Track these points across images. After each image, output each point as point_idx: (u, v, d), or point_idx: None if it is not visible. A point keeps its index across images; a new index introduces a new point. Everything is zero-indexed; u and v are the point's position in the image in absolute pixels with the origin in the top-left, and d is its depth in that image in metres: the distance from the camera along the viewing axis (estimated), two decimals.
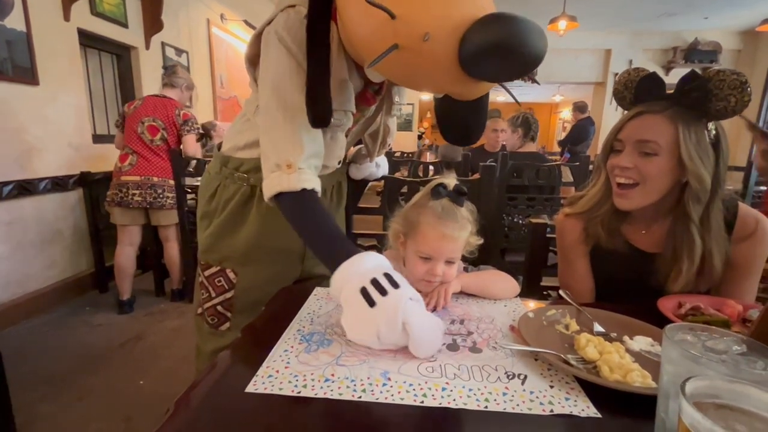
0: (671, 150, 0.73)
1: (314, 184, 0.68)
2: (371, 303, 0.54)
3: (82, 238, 2.46)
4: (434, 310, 0.69)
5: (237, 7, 4.13)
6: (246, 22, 4.20)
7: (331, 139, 0.76)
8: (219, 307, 0.88)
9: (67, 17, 2.27)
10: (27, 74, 2.08)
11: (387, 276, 0.56)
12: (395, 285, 0.55)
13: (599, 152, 0.86)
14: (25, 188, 2.10)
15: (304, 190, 0.67)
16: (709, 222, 0.75)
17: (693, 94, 0.71)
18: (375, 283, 0.55)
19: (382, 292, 0.54)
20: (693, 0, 4.72)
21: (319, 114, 0.66)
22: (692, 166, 0.72)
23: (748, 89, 0.67)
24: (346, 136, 0.85)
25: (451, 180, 0.76)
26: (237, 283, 0.86)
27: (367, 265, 0.58)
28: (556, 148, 6.60)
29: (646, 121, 0.75)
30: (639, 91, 0.78)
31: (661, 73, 6.23)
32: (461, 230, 0.72)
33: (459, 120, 0.73)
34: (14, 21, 2.00)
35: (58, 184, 2.28)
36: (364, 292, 0.55)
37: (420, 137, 7.43)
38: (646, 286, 0.80)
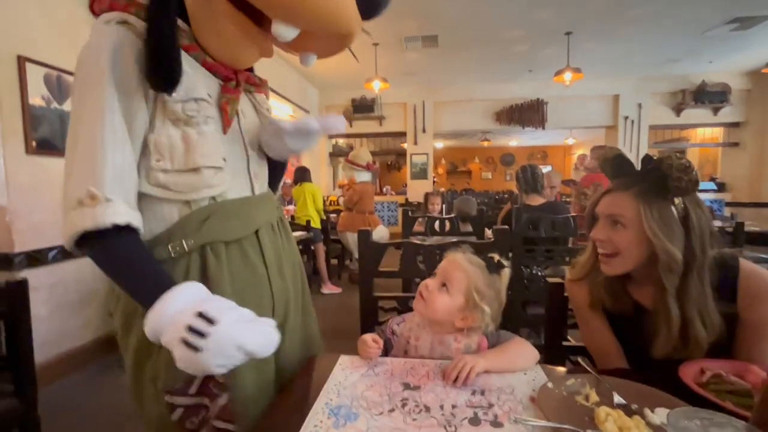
0: (637, 224, 0.79)
1: (128, 217, 0.57)
2: (196, 349, 0.51)
3: None
4: (454, 382, 0.71)
5: (260, 75, 4.51)
6: (272, 89, 4.56)
7: (199, 136, 0.64)
8: (216, 421, 0.67)
9: None
10: None
11: (201, 316, 0.53)
12: (212, 321, 0.53)
13: (585, 223, 0.93)
14: (68, 252, 2.25)
15: (115, 226, 0.56)
16: (688, 293, 0.77)
17: (652, 174, 0.78)
18: (191, 329, 0.52)
19: (202, 335, 0.52)
20: (695, 47, 4.89)
21: (166, 69, 0.59)
22: (656, 240, 0.76)
23: (693, 172, 0.74)
24: (225, 132, 0.70)
25: (503, 260, 0.87)
26: (231, 382, 0.67)
27: (177, 306, 0.55)
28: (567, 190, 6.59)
29: (615, 197, 0.83)
30: (613, 168, 0.87)
31: (672, 115, 6.35)
32: (469, 268, 0.84)
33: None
34: (70, 104, 2.27)
35: None
36: (184, 342, 0.52)
37: (435, 180, 7.57)
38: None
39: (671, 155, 0.76)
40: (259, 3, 0.61)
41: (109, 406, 1.95)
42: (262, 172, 0.82)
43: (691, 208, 0.78)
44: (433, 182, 7.24)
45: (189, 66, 0.65)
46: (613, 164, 0.86)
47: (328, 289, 3.93)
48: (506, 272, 0.86)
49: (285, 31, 0.64)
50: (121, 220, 0.56)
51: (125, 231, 0.58)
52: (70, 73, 2.25)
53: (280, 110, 5.10)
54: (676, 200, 0.78)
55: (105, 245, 0.58)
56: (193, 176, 0.64)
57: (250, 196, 0.77)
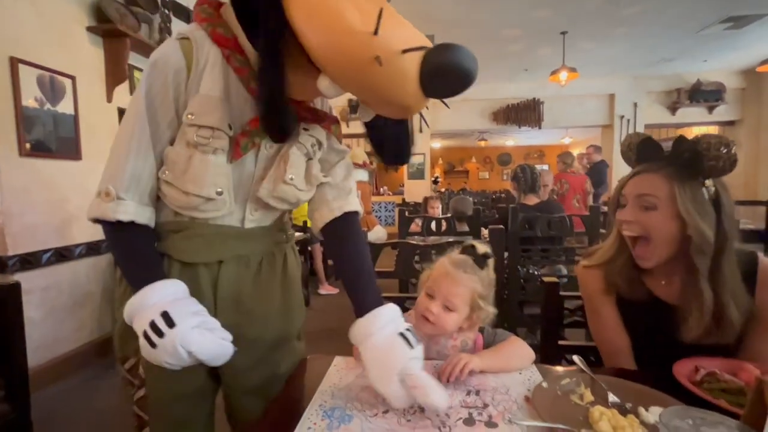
0: (669, 204, 0.78)
1: (134, 216, 0.65)
2: (152, 345, 0.59)
3: (110, 299, 2.56)
4: (447, 381, 0.71)
5: None
6: None
7: (200, 163, 0.64)
8: (135, 407, 0.77)
9: (109, 99, 2.54)
10: (72, 151, 2.31)
11: (164, 315, 0.60)
12: (171, 324, 0.59)
13: (609, 206, 0.91)
14: (62, 254, 2.24)
15: (119, 222, 0.64)
16: (721, 274, 0.77)
17: (685, 155, 0.78)
18: (153, 325, 0.59)
19: (159, 333, 0.59)
20: (688, 46, 4.92)
21: (274, 120, 0.61)
22: (690, 218, 0.76)
23: (733, 150, 0.74)
24: (231, 162, 0.69)
25: (483, 246, 0.86)
26: (146, 381, 0.74)
27: (151, 300, 0.62)
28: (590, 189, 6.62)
29: (645, 178, 0.82)
30: (639, 153, 0.86)
31: (667, 114, 6.38)
32: (467, 278, 0.80)
33: (393, 141, 0.74)
34: (65, 106, 2.26)
35: (92, 248, 2.42)
36: (145, 335, 0.59)
37: (435, 182, 7.55)
38: (670, 339, 0.81)
39: (708, 135, 0.76)
40: (311, 52, 0.56)
41: (103, 410, 1.94)
42: (273, 205, 0.74)
43: (721, 189, 0.78)
44: (436, 182, 7.21)
45: (233, 89, 0.67)
46: (640, 148, 0.85)
47: (325, 289, 3.92)
48: (491, 261, 0.86)
49: (327, 88, 0.60)
50: (125, 218, 0.64)
51: (130, 225, 0.65)
52: (64, 75, 2.24)
53: None
54: (707, 182, 0.78)
55: (111, 233, 0.67)
56: (184, 197, 0.66)
57: (236, 226, 0.74)
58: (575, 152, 10.27)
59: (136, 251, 0.68)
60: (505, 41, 4.69)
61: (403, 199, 6.82)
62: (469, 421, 0.60)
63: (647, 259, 0.82)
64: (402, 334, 0.66)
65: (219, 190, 0.67)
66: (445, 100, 0.61)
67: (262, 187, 0.72)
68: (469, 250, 0.84)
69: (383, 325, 0.68)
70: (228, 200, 0.69)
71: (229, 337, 0.65)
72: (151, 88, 0.65)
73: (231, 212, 0.72)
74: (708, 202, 0.77)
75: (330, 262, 4.45)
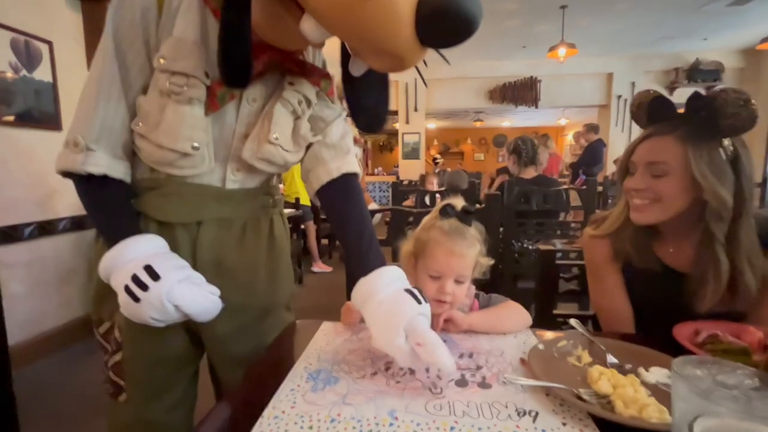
0: (682, 169, 0.73)
1: (107, 169, 0.61)
2: (135, 299, 0.56)
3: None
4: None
5: None
6: None
7: (174, 114, 0.59)
8: (111, 373, 0.72)
9: (89, 66, 2.43)
10: (51, 121, 2.20)
11: (148, 269, 0.56)
12: (156, 277, 0.56)
13: (616, 174, 0.87)
14: (45, 229, 2.17)
15: (91, 176, 0.60)
16: (738, 240, 0.73)
17: (701, 113, 0.72)
18: (135, 279, 0.56)
19: (143, 287, 0.55)
20: (690, 24, 4.82)
21: (227, 59, 0.55)
22: (706, 184, 0.71)
23: (753, 106, 0.68)
24: (207, 114, 0.63)
25: (458, 201, 0.80)
26: (124, 344, 0.70)
27: (131, 254, 0.59)
28: (564, 171, 6.60)
29: (655, 143, 0.77)
30: (651, 112, 0.79)
31: (665, 94, 6.35)
32: (469, 248, 0.75)
33: (370, 105, 0.69)
34: (42, 73, 2.14)
35: (77, 223, 2.35)
36: (127, 289, 0.56)
37: (436, 162, 7.47)
38: (679, 307, 0.77)
39: (727, 89, 0.69)
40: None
41: (87, 387, 1.91)
42: (258, 167, 0.69)
43: (740, 149, 0.73)
44: (436, 162, 7.13)
45: (211, 34, 0.62)
46: (651, 108, 0.79)
47: (319, 267, 3.90)
48: (476, 224, 0.80)
49: (311, 30, 0.53)
50: (96, 170, 0.60)
51: (103, 180, 0.61)
52: (40, 39, 2.12)
53: None
54: (725, 141, 0.72)
55: (82, 187, 0.63)
56: (159, 151, 0.62)
57: (216, 186, 0.69)
58: (571, 133, 10.25)
59: (111, 206, 0.64)
60: (502, 16, 4.55)
61: (398, 178, 6.77)
62: (462, 383, 0.57)
63: (646, 215, 0.78)
64: (409, 290, 0.61)
65: (195, 144, 0.61)
66: (446, 52, 0.54)
67: (245, 148, 0.67)
68: (448, 211, 0.78)
69: (388, 282, 0.63)
70: (206, 156, 0.64)
71: (216, 291, 0.62)
72: (118, 29, 0.60)
73: (211, 170, 0.67)
74: (726, 163, 0.72)
75: (324, 241, 4.41)
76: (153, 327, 0.60)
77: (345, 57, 0.63)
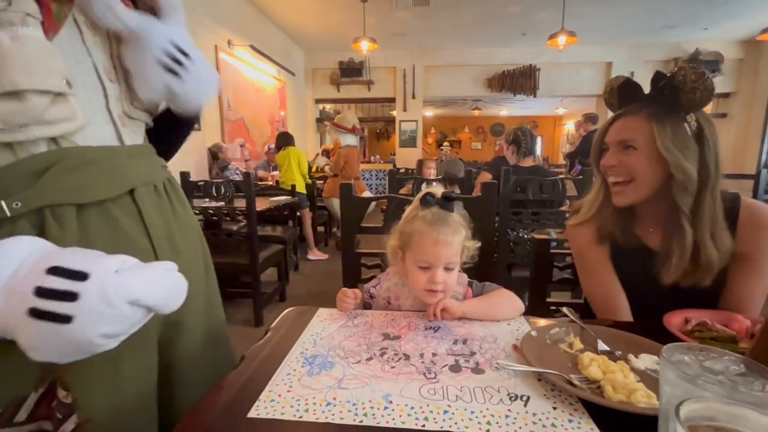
0: (649, 145, 0.77)
1: None
2: (62, 319, 0.36)
3: None
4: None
5: (243, 33, 4.27)
6: (252, 47, 4.33)
7: (15, 42, 0.42)
8: None
9: None
10: None
11: (57, 270, 0.37)
12: (80, 275, 0.37)
13: (592, 155, 0.90)
14: None
15: None
16: (702, 211, 0.76)
17: (665, 91, 0.76)
18: (43, 292, 0.36)
19: (69, 297, 0.36)
20: (691, 12, 4.77)
21: None
22: (671, 157, 0.75)
23: (708, 79, 0.72)
24: (49, 37, 0.46)
25: (438, 189, 0.81)
26: (77, 402, 0.48)
27: (6, 270, 0.37)
28: (562, 161, 6.59)
29: (625, 122, 0.81)
30: (620, 96, 0.84)
31: None
32: (454, 234, 0.76)
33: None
34: None
35: None
36: (36, 313, 0.36)
37: (441, 149, 7.38)
38: (653, 284, 0.80)
39: (685, 66, 0.73)
40: None
41: None
42: (136, 117, 0.59)
43: (704, 123, 0.76)
44: (445, 146, 7.08)
45: None
46: (621, 91, 0.83)
47: (315, 255, 3.91)
48: (459, 209, 0.81)
49: None
50: None
51: None
52: None
53: (263, 70, 4.87)
54: (689, 117, 0.76)
55: None
56: (13, 104, 0.42)
57: (115, 145, 0.55)
58: (569, 123, 10.21)
59: None
60: (504, 2, 4.48)
61: (394, 165, 6.74)
62: (456, 368, 0.58)
63: (624, 196, 0.82)
64: None
65: (66, 78, 0.45)
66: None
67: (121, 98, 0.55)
68: (429, 200, 0.78)
69: None
70: (74, 102, 0.47)
71: (173, 266, 0.46)
72: None
73: (90, 123, 0.51)
74: (691, 137, 0.75)
75: (320, 228, 4.41)
76: (110, 354, 0.41)
77: None
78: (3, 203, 0.43)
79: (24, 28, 0.43)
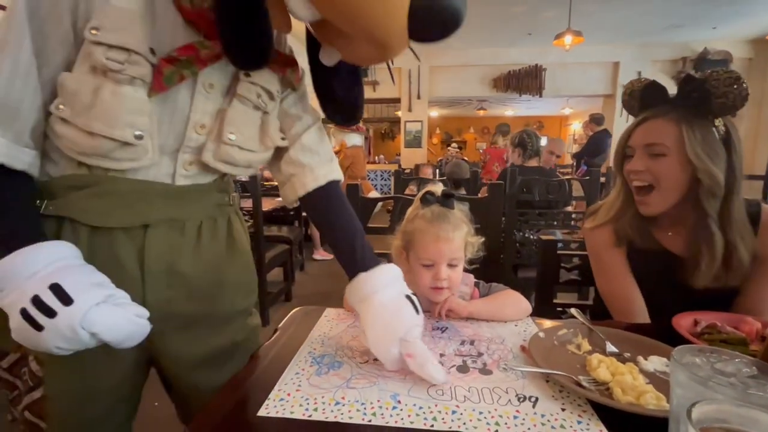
0: (678, 149, 0.76)
1: (5, 157, 0.50)
2: (37, 327, 0.44)
3: None
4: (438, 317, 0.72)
5: None
6: None
7: (113, 95, 0.50)
8: (27, 413, 0.60)
9: None
10: None
11: (55, 289, 0.45)
12: (67, 300, 0.45)
13: (613, 160, 0.89)
14: None
15: None
16: (730, 215, 0.76)
17: (693, 95, 0.75)
18: (37, 302, 0.44)
19: (49, 313, 0.44)
20: (699, 12, 4.72)
21: (248, 41, 0.51)
22: (700, 163, 0.74)
23: (743, 84, 0.71)
24: (150, 96, 0.53)
25: (437, 186, 0.81)
26: (46, 378, 0.58)
27: (31, 267, 0.47)
28: (568, 161, 6.55)
29: (652, 125, 0.79)
30: (644, 99, 0.83)
31: (671, 84, 6.25)
32: (455, 230, 0.76)
33: (339, 96, 0.66)
34: None
35: None
36: (25, 314, 0.44)
37: (450, 148, 7.39)
38: (677, 288, 0.80)
39: (718, 70, 0.73)
40: None
41: None
42: (213, 167, 0.62)
43: (731, 127, 0.76)
44: (452, 147, 7.07)
45: (158, 5, 0.53)
46: (644, 94, 0.82)
47: (320, 255, 3.92)
48: (459, 206, 0.82)
49: (300, 8, 0.50)
50: None
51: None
52: None
53: None
54: (717, 121, 0.75)
55: None
56: (88, 140, 0.51)
57: (164, 183, 0.60)
58: (575, 123, 10.14)
59: (6, 204, 0.51)
60: (510, 1, 4.47)
61: (399, 166, 6.75)
62: (463, 368, 0.58)
63: (650, 205, 0.81)
64: (409, 297, 0.61)
65: (138, 132, 0.52)
66: (446, 40, 0.52)
67: (206, 149, 0.60)
68: (429, 198, 0.79)
69: (388, 282, 0.63)
70: (150, 148, 0.54)
71: (145, 313, 0.51)
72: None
73: (153, 163, 0.57)
74: (719, 142, 0.75)
75: None
76: (86, 353, 0.49)
77: (312, 47, 0.60)
78: (44, 203, 0.55)
79: (128, 87, 0.51)
